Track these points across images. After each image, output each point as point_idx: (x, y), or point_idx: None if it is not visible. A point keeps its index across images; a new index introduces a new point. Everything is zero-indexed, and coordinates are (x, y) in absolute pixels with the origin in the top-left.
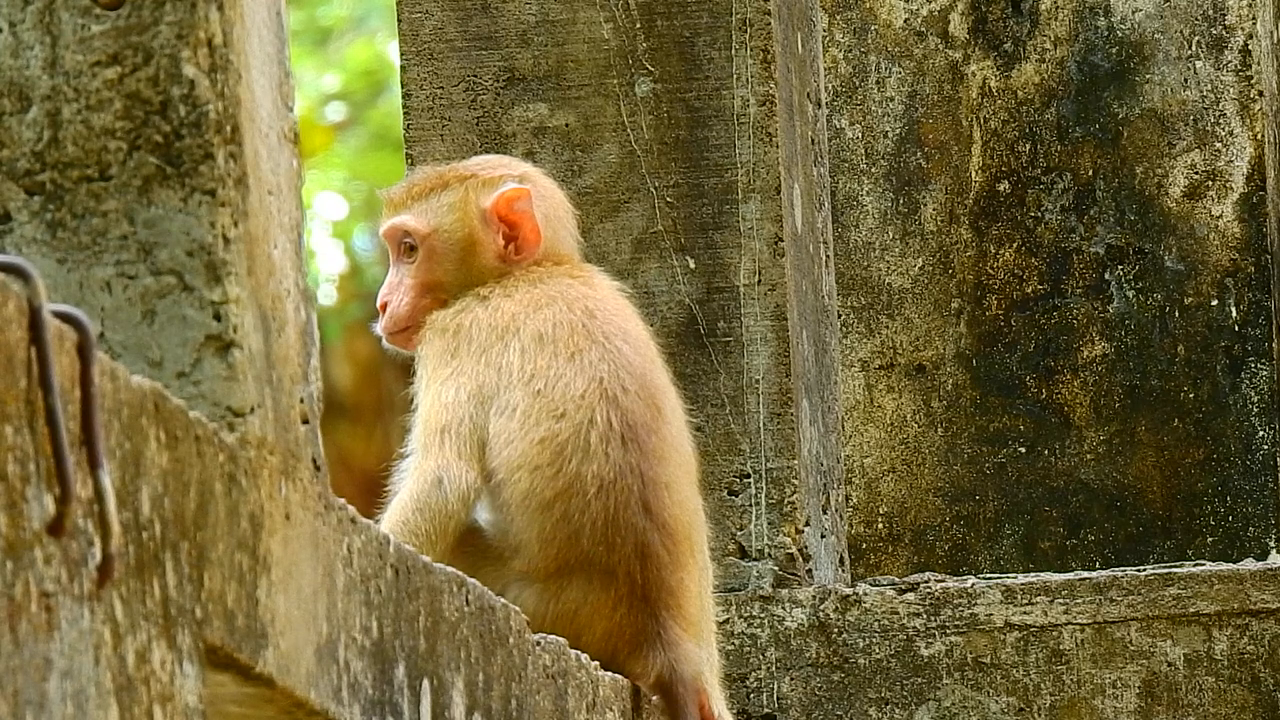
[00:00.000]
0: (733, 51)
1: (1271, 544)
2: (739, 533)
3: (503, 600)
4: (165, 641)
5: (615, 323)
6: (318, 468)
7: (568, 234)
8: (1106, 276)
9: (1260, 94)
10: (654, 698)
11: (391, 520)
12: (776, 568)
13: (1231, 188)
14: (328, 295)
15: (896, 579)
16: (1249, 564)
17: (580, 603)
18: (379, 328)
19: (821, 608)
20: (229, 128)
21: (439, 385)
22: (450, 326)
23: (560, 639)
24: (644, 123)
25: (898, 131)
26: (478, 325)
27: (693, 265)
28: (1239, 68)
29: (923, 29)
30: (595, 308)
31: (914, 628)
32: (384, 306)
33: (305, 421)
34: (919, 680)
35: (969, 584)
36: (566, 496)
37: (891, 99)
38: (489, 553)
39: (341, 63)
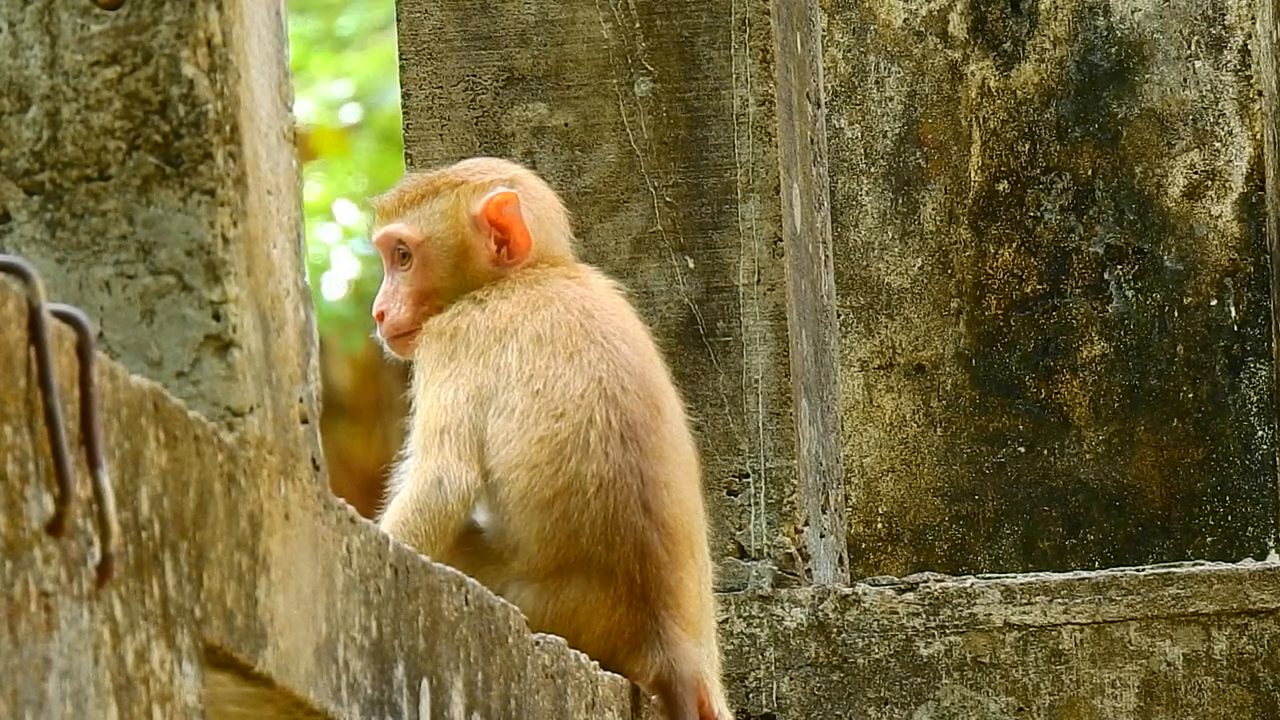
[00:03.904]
0: (732, 51)
1: (1270, 544)
2: (738, 532)
3: (502, 600)
4: (164, 641)
5: (613, 322)
6: (317, 467)
7: (560, 235)
8: (1106, 276)
9: (1259, 94)
10: (653, 697)
11: (391, 521)
12: (776, 567)
13: (1231, 188)
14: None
15: (896, 579)
16: (1248, 564)
17: (579, 602)
18: (378, 335)
19: (821, 607)
20: (228, 127)
21: (438, 387)
22: (447, 330)
23: (559, 638)
24: (643, 122)
25: (897, 131)
26: (475, 328)
27: (692, 265)
28: (1238, 67)
29: (922, 29)
30: (593, 308)
31: (913, 627)
32: (381, 315)
33: (304, 421)
34: (918, 680)
35: (968, 584)
36: (565, 495)
37: (891, 99)
38: (488, 552)
39: (354, 67)
